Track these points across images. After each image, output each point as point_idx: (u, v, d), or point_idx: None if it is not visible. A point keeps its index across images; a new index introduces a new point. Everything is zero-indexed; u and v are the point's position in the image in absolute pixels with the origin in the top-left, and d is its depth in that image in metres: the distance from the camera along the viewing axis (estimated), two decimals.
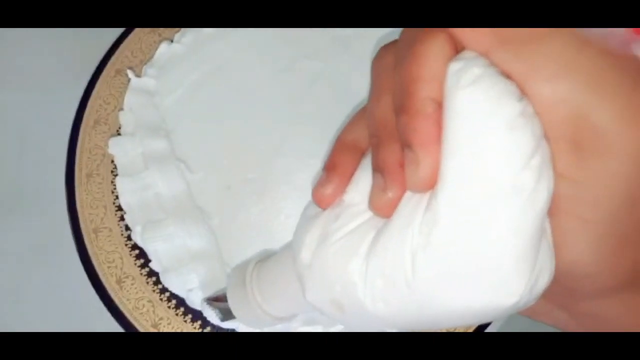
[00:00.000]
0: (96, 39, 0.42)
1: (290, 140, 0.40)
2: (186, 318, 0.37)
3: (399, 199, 0.21)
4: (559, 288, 0.21)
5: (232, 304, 0.31)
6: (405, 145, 0.20)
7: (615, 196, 0.18)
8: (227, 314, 0.32)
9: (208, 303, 0.34)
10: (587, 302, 0.22)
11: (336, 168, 0.24)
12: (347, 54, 0.42)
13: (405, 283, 0.20)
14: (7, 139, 0.42)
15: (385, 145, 0.21)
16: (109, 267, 0.37)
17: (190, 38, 0.42)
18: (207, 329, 0.36)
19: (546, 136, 0.18)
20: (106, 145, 0.40)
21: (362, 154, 0.24)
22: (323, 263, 0.23)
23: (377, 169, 0.22)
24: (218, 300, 0.33)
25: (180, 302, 0.37)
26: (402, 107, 0.20)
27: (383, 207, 0.21)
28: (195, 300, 0.36)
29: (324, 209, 0.24)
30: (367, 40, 0.42)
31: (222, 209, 0.38)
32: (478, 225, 0.18)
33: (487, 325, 0.36)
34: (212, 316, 0.35)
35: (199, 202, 0.38)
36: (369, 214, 0.22)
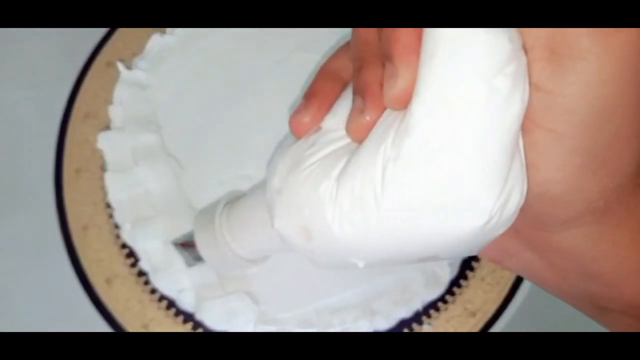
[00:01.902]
0: (87, 30, 0.41)
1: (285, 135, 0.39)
2: (177, 319, 0.36)
3: (376, 122, 0.21)
4: (529, 219, 0.21)
5: (199, 244, 0.31)
6: (386, 58, 0.19)
7: (589, 108, 0.18)
8: (194, 259, 0.32)
9: (176, 247, 0.33)
10: (556, 236, 0.22)
11: (316, 96, 0.24)
12: None
13: (374, 199, 0.20)
14: None
15: (367, 66, 0.21)
16: (97, 266, 0.37)
17: (183, 30, 0.41)
18: (199, 331, 0.35)
19: (524, 46, 0.18)
20: (96, 139, 0.39)
21: (344, 85, 0.24)
22: (293, 187, 0.23)
23: (358, 91, 0.21)
24: (187, 244, 0.32)
25: (171, 303, 0.36)
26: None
27: (360, 130, 0.21)
28: (186, 301, 0.35)
29: (300, 137, 0.24)
30: None
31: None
32: (449, 135, 0.18)
33: (494, 321, 0.36)
34: (181, 261, 0.34)
35: (190, 199, 0.38)
36: (346, 140, 0.22)
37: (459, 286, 0.37)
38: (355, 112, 0.21)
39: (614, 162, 0.19)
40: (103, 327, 0.35)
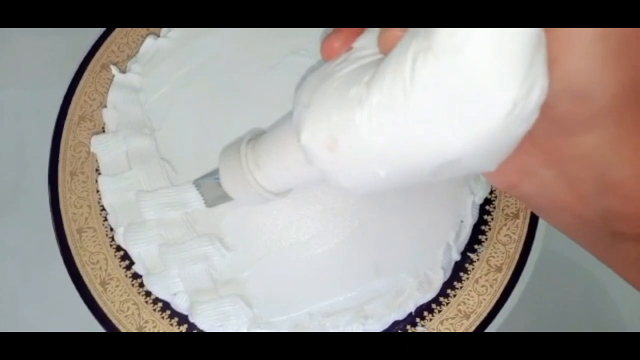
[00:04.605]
0: (81, 33, 0.41)
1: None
2: (172, 321, 0.36)
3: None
4: (549, 122, 0.21)
5: (223, 175, 0.30)
6: None
7: None
8: (215, 197, 0.31)
9: (197, 186, 0.33)
10: (575, 140, 0.21)
11: None
12: None
13: (403, 92, 0.20)
14: None
15: None
16: (92, 269, 0.37)
17: (177, 33, 0.40)
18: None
19: None
20: (90, 143, 0.39)
21: None
22: (322, 97, 0.23)
23: None
24: (208, 183, 0.32)
25: (166, 305, 0.36)
26: None
27: (392, 41, 0.21)
28: (180, 304, 0.35)
29: (329, 60, 0.24)
30: None
31: (207, 211, 0.37)
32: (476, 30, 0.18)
33: (488, 323, 0.36)
34: (200, 200, 0.34)
35: None
36: (377, 57, 0.22)
37: (453, 288, 0.37)
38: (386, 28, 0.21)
39: (636, 54, 0.19)
40: (98, 329, 0.35)
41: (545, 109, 0.20)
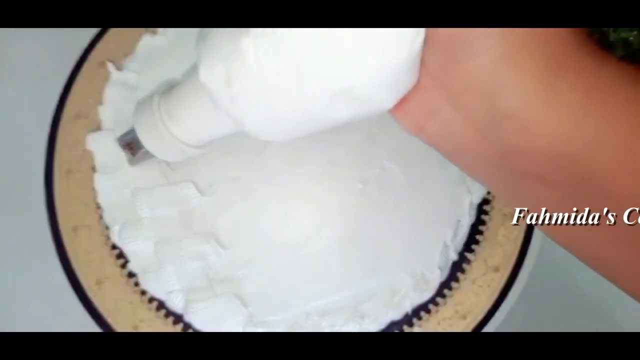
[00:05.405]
0: (78, 31, 0.41)
1: None
2: (167, 320, 0.36)
3: None
4: (437, 50, 0.20)
5: (138, 130, 0.30)
6: None
7: None
8: (139, 156, 0.31)
9: (120, 144, 0.32)
10: (464, 66, 0.20)
11: None
12: None
13: None
14: None
15: None
16: (88, 267, 0.36)
17: (174, 31, 0.41)
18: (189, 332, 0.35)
19: None
20: (86, 140, 0.38)
21: None
22: (219, 29, 0.22)
23: None
24: (131, 141, 0.32)
25: (161, 304, 0.36)
26: None
27: None
28: (176, 303, 0.35)
29: None
30: None
31: (203, 209, 0.37)
32: None
33: (485, 324, 0.36)
34: (125, 158, 0.34)
35: None
36: None
37: (450, 288, 0.37)
38: None
39: None
40: (93, 328, 0.35)
41: (429, 31, 0.20)
